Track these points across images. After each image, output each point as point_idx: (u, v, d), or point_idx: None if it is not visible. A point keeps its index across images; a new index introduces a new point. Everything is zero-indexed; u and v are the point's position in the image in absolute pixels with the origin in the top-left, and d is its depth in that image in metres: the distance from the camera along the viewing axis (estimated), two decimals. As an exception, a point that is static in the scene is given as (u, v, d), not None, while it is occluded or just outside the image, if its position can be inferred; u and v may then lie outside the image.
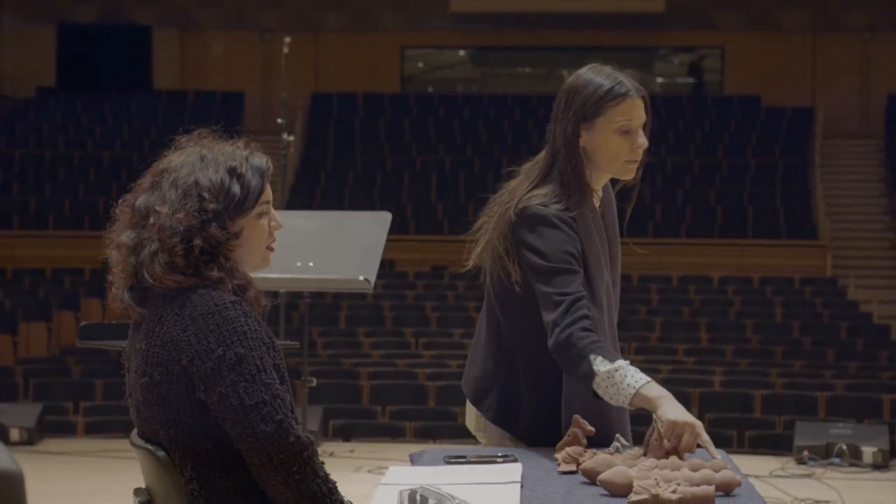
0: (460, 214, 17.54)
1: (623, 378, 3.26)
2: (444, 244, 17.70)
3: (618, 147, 3.50)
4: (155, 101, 22.86)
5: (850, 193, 20.69)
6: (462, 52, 25.08)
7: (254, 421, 2.77)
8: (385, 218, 6.56)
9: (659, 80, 24.50)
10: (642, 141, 3.52)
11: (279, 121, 9.93)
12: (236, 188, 2.91)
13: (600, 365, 3.27)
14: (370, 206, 17.76)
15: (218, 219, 2.88)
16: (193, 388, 2.82)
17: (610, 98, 3.47)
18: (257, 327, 2.85)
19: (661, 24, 22.59)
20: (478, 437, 3.73)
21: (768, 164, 20.45)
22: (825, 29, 22.59)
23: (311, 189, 20.17)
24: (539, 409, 3.56)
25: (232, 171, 2.92)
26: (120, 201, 3.02)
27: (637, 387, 3.24)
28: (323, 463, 2.88)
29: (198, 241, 2.86)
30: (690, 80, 24.51)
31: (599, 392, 3.30)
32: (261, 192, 2.96)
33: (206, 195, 2.88)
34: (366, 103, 22.79)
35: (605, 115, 3.48)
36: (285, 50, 10.53)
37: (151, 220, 2.88)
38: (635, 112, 3.51)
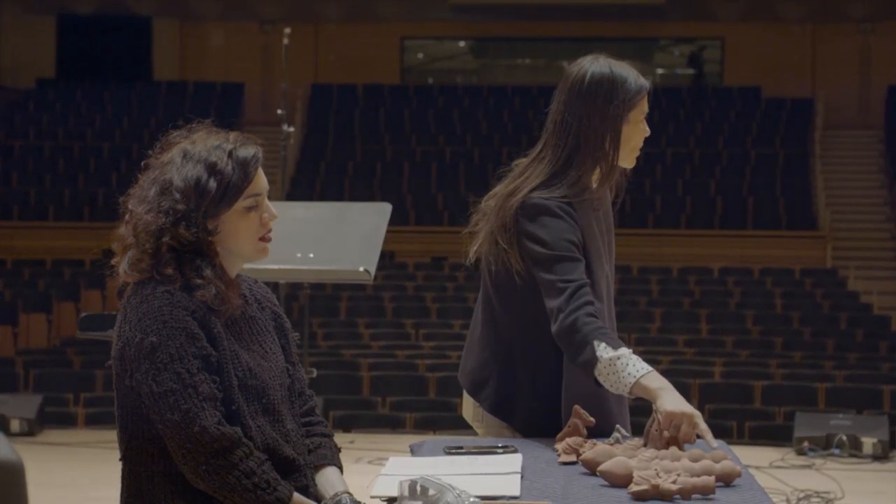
0: (460, 205, 17.50)
1: (625, 366, 3.27)
2: (444, 235, 17.71)
3: (640, 137, 3.61)
4: (155, 91, 22.85)
5: (850, 184, 20.68)
6: (462, 43, 25.06)
7: (162, 408, 2.83)
8: (385, 209, 6.54)
9: (659, 71, 24.48)
10: (647, 128, 3.64)
11: (279, 112, 9.90)
12: (212, 184, 2.92)
13: (603, 351, 3.29)
14: (370, 197, 17.78)
15: (188, 218, 2.90)
16: (125, 375, 2.92)
17: (639, 91, 3.57)
18: (183, 316, 2.87)
19: (662, 14, 22.57)
20: (475, 428, 3.74)
21: (768, 155, 20.45)
22: (825, 20, 22.56)
23: (310, 180, 20.17)
24: (537, 400, 3.56)
25: (211, 168, 2.93)
26: (125, 195, 3.05)
27: (638, 376, 3.25)
28: (252, 457, 2.85)
29: (166, 240, 2.90)
30: (690, 71, 24.49)
31: (600, 379, 3.31)
32: (244, 185, 2.96)
33: (177, 195, 2.91)
34: (366, 94, 22.78)
35: (637, 108, 3.58)
36: (285, 41, 10.51)
37: (126, 217, 2.96)
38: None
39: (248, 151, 2.98)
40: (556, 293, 3.40)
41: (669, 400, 3.18)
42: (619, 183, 3.71)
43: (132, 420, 2.93)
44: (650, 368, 3.28)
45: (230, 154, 2.96)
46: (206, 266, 2.94)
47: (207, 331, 2.90)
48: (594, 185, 3.60)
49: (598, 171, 3.58)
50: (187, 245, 2.91)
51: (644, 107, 3.60)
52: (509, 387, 3.61)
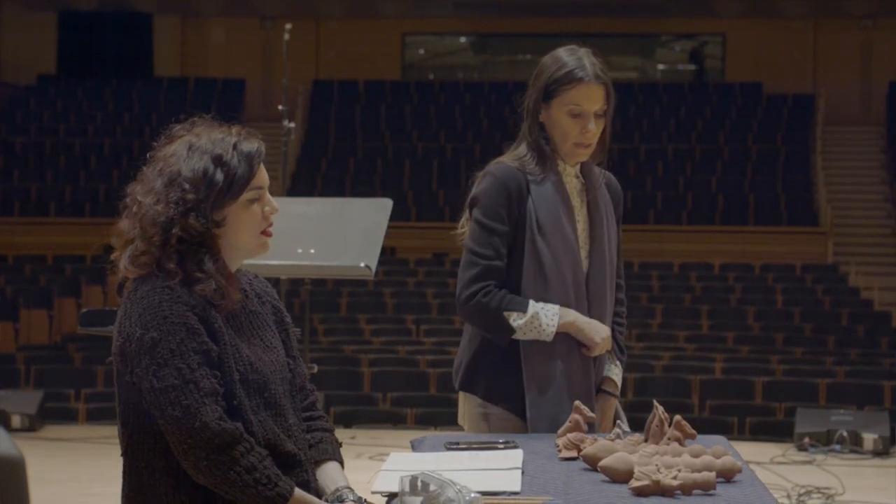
0: (461, 201, 17.51)
1: (540, 322, 3.57)
2: (445, 231, 17.53)
3: (568, 129, 3.67)
4: (156, 88, 22.85)
5: (852, 180, 20.67)
6: (463, 39, 25.05)
7: (163, 404, 2.83)
8: (386, 205, 6.54)
9: (660, 67, 24.46)
10: (591, 127, 3.65)
11: (280, 108, 9.90)
12: (219, 176, 2.94)
13: (517, 320, 3.57)
14: (371, 193, 17.76)
15: (197, 208, 2.91)
16: (125, 370, 2.92)
17: (566, 81, 3.64)
18: (183, 311, 2.88)
19: (663, 10, 22.55)
20: (464, 427, 3.78)
21: (769, 151, 20.44)
22: (826, 16, 22.55)
23: (311, 176, 20.17)
24: (496, 368, 3.69)
25: (217, 159, 2.95)
26: (128, 188, 3.05)
27: (556, 323, 3.59)
28: (253, 452, 2.85)
29: (176, 231, 2.90)
30: (692, 67, 24.47)
31: (528, 338, 3.60)
32: (249, 178, 2.98)
33: (186, 185, 2.92)
34: (367, 90, 22.78)
35: (560, 96, 3.67)
36: (286, 37, 10.50)
37: (135, 209, 2.95)
38: (590, 98, 3.65)
39: (251, 145, 3.00)
40: (468, 265, 3.65)
41: (588, 328, 3.60)
42: (601, 162, 3.81)
43: (133, 415, 2.93)
44: (557, 310, 3.58)
45: (235, 146, 2.98)
46: (208, 260, 2.94)
47: (208, 325, 2.91)
48: (560, 165, 3.71)
49: (560, 150, 3.70)
50: (195, 237, 2.92)
51: (570, 99, 3.65)
52: (474, 359, 3.74)
